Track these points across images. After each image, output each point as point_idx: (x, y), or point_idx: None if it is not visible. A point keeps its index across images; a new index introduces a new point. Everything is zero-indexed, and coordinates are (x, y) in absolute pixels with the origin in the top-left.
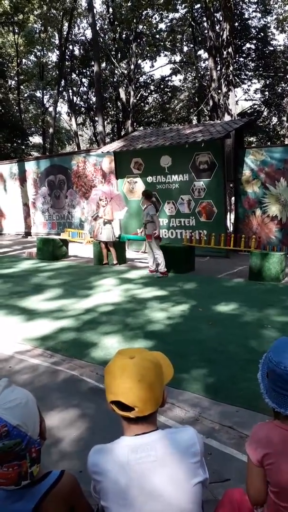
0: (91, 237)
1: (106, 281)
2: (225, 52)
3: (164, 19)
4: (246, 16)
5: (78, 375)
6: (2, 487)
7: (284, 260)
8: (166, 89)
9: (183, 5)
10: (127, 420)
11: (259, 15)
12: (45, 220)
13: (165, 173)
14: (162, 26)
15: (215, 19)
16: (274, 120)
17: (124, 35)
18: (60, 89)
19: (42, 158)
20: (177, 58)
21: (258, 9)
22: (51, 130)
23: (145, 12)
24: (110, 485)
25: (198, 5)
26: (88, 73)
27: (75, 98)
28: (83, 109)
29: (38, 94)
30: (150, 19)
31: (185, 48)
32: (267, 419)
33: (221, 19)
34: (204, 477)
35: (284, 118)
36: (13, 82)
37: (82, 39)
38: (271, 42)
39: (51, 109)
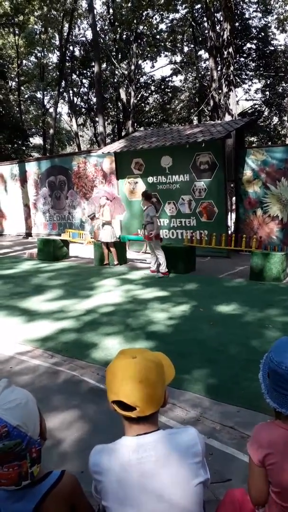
0: (91, 238)
1: (107, 281)
2: (225, 52)
3: (164, 20)
4: (247, 16)
5: (79, 376)
6: (2, 488)
7: (285, 260)
8: (166, 89)
9: (184, 6)
10: (128, 420)
11: (259, 15)
12: (45, 220)
13: (165, 174)
14: (162, 26)
15: (216, 19)
16: (275, 120)
17: (124, 36)
18: (61, 90)
19: (42, 159)
20: (178, 58)
21: (258, 9)
22: (51, 131)
23: (145, 12)
24: (111, 485)
25: (199, 6)
26: (89, 73)
27: (75, 99)
28: (83, 109)
29: (39, 95)
30: (150, 19)
31: (186, 49)
32: (268, 419)
33: (221, 19)
34: (205, 477)
35: (285, 118)
36: (14, 83)
37: (82, 40)
38: (272, 42)
39: (51, 110)
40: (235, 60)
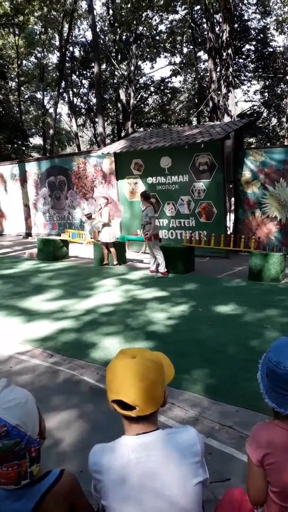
0: (91, 238)
1: (106, 281)
2: (224, 54)
3: (164, 21)
4: (246, 17)
5: (79, 376)
6: (2, 487)
7: (283, 260)
8: (166, 90)
9: (183, 7)
10: (128, 420)
11: (258, 16)
12: (45, 221)
13: (165, 174)
14: (162, 27)
15: (215, 20)
16: (274, 121)
17: (124, 37)
18: (61, 91)
19: (42, 159)
20: (177, 59)
21: (257, 11)
22: (51, 131)
23: (145, 13)
24: (110, 484)
25: (198, 7)
26: (88, 74)
27: (75, 100)
28: (83, 110)
29: (39, 95)
30: (150, 20)
31: (185, 50)
32: (267, 419)
33: (220, 20)
34: (204, 477)
35: (284, 119)
36: (14, 83)
37: (82, 40)
38: (271, 43)
39: (51, 110)
40: (234, 61)
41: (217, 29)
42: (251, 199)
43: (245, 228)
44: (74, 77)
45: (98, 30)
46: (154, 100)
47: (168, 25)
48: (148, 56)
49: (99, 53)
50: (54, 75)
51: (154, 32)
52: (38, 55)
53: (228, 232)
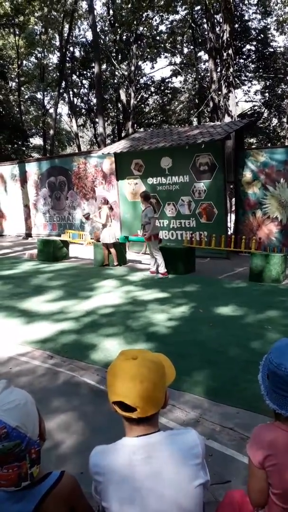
0: (91, 239)
1: (106, 282)
2: (225, 54)
3: (164, 21)
4: (246, 17)
5: (79, 377)
6: (2, 489)
7: (284, 261)
8: (166, 90)
9: (183, 7)
10: (129, 421)
11: (259, 16)
12: (45, 221)
13: (165, 175)
14: (162, 27)
15: (215, 20)
16: (274, 121)
17: (124, 37)
18: (61, 91)
19: (42, 160)
20: (178, 59)
21: (258, 11)
22: (51, 131)
23: (145, 14)
24: (111, 486)
25: (198, 7)
26: (89, 74)
27: (75, 100)
28: (83, 110)
29: (39, 95)
30: (150, 20)
31: (186, 50)
32: (268, 421)
33: (221, 20)
34: (205, 479)
35: (284, 120)
36: (14, 83)
37: (82, 40)
38: (271, 43)
39: (51, 110)
40: (234, 62)
41: (217, 29)
42: (252, 200)
43: (246, 228)
44: (74, 77)
45: (98, 30)
46: (155, 100)
47: (169, 25)
48: (149, 56)
49: (100, 53)
50: (54, 75)
51: (155, 32)
52: (39, 55)
53: (229, 233)
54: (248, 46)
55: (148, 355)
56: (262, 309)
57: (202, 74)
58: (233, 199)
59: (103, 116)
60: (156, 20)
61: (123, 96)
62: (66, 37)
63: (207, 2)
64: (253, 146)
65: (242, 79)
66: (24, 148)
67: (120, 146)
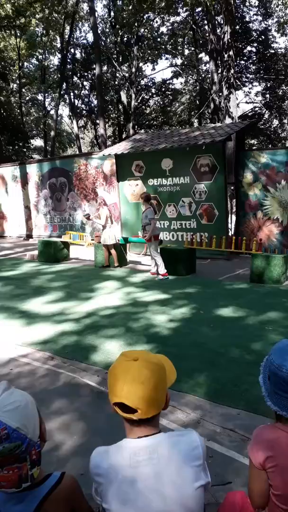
0: (92, 240)
1: (107, 283)
2: (226, 55)
3: (165, 23)
4: (247, 19)
5: (79, 378)
6: (3, 490)
7: (285, 262)
8: (167, 92)
9: (184, 9)
10: (129, 422)
11: (260, 18)
12: (46, 222)
13: (166, 176)
14: (163, 29)
15: (216, 22)
16: (275, 122)
17: (125, 39)
18: (62, 92)
19: (43, 161)
20: (178, 61)
21: (259, 12)
22: (52, 133)
23: (146, 15)
24: (112, 487)
25: (199, 9)
26: (90, 76)
27: (76, 101)
28: (84, 112)
29: (40, 97)
30: (151, 22)
31: (186, 51)
32: (268, 422)
33: (222, 22)
34: (206, 480)
35: (285, 121)
36: (15, 85)
37: (83, 42)
38: (272, 45)
39: (52, 112)
40: (235, 63)
41: (218, 30)
42: (253, 201)
43: (247, 230)
44: (75, 78)
45: (99, 32)
46: (155, 101)
47: (170, 27)
48: (150, 58)
49: (100, 55)
50: (55, 76)
51: (156, 34)
52: (40, 57)
53: (230, 234)
54: (249, 48)
55: (149, 356)
56: (263, 310)
57: (203, 75)
58: (234, 200)
59: (104, 118)
60: (157, 22)
61: (124, 98)
62: (67, 39)
63: (208, 4)
64: (254, 148)
65: (243, 80)
66: (25, 150)
67: (121, 147)
